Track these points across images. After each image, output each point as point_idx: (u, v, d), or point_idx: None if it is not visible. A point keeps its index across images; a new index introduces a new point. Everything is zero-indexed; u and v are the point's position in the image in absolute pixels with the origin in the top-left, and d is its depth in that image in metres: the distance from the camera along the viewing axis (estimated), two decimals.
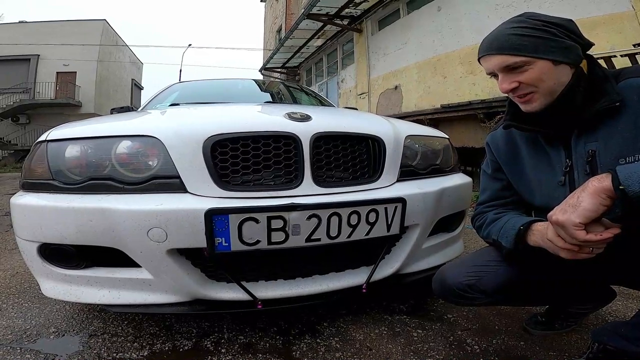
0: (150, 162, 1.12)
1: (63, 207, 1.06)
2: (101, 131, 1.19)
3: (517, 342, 1.24)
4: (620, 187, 0.67)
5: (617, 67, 2.91)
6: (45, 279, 1.17)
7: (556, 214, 0.77)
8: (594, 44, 0.89)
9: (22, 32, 18.70)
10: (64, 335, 1.32)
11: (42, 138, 1.18)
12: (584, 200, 0.72)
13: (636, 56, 3.04)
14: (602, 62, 2.98)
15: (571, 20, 0.86)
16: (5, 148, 17.16)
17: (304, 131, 1.14)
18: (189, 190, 1.07)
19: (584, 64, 0.88)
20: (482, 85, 4.84)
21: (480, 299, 1.04)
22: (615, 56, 3.08)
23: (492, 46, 0.87)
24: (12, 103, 17.44)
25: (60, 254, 1.12)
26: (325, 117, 1.32)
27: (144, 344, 1.25)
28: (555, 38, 0.83)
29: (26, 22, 19.83)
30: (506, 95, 0.93)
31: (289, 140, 1.13)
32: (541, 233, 0.85)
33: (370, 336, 1.29)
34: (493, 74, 0.91)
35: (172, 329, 1.35)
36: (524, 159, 1.01)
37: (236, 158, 1.10)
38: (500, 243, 0.97)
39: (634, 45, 3.06)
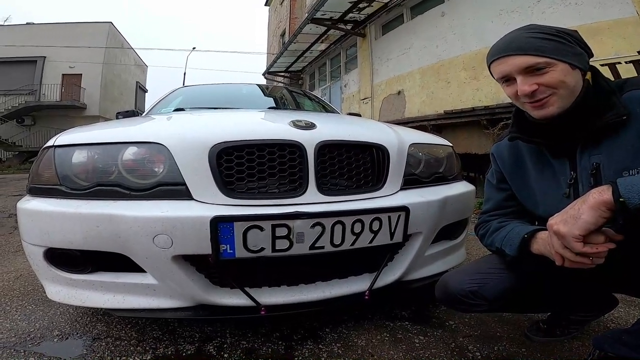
0: (156, 169, 1.13)
1: (70, 213, 1.07)
2: (108, 137, 1.20)
3: (518, 349, 1.24)
4: (621, 199, 0.67)
5: (621, 74, 2.90)
6: (51, 282, 1.18)
7: (557, 223, 0.77)
8: (593, 55, 0.89)
9: (29, 33, 18.79)
10: (67, 338, 1.33)
11: (50, 143, 1.20)
12: (584, 212, 0.72)
13: None
14: (606, 68, 2.97)
15: (576, 31, 0.87)
16: (10, 149, 17.24)
17: (309, 139, 1.15)
18: (194, 197, 1.09)
19: (588, 76, 0.88)
20: (485, 91, 4.84)
21: (483, 305, 1.04)
22: (620, 63, 3.05)
23: (510, 47, 0.86)
24: (17, 104, 17.54)
25: (66, 259, 1.13)
26: (330, 125, 1.33)
27: (147, 348, 1.26)
28: (570, 44, 0.84)
29: (33, 23, 19.96)
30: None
31: (294, 149, 1.14)
32: (545, 242, 0.86)
33: (372, 342, 1.29)
34: (505, 78, 0.89)
35: (175, 333, 1.36)
36: (528, 171, 1.02)
37: (241, 166, 1.11)
38: (504, 251, 0.98)
39: (638, 52, 3.03)
